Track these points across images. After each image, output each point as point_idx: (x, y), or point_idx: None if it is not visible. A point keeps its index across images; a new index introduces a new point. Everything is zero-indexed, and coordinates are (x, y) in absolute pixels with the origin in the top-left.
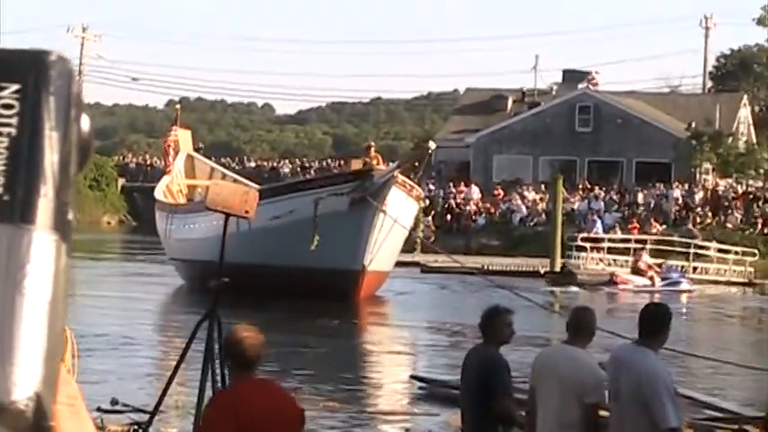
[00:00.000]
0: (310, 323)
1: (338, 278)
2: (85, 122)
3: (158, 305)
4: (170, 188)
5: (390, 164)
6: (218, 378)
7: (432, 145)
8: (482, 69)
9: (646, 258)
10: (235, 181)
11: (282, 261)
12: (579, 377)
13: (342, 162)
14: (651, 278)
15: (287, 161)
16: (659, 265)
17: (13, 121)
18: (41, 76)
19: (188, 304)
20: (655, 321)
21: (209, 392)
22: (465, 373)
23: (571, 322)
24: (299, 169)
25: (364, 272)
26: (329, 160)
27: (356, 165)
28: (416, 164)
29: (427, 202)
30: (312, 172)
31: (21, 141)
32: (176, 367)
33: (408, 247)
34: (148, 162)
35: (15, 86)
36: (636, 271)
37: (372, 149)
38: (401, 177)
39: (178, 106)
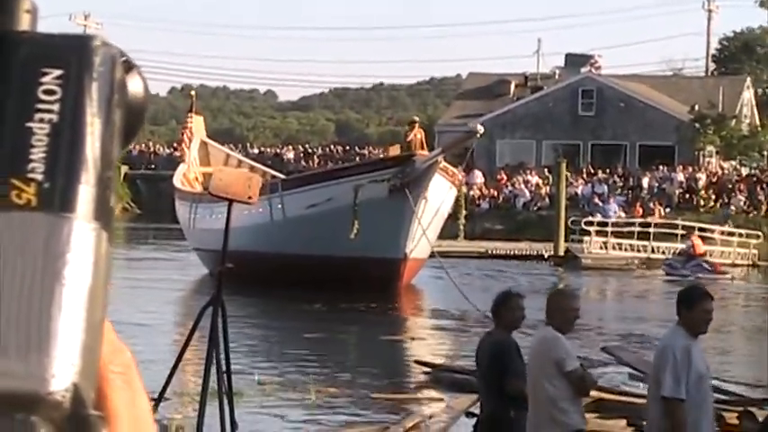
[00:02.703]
0: (317, 309)
1: (380, 267)
2: (138, 85)
3: (168, 292)
4: (187, 176)
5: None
6: (223, 364)
7: (480, 129)
8: (485, 54)
9: (698, 243)
10: (252, 168)
11: (320, 250)
12: (549, 354)
13: (346, 148)
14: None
15: (290, 147)
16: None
17: (55, 107)
18: (84, 62)
19: (204, 292)
20: (678, 302)
21: (213, 378)
22: (478, 358)
23: (546, 305)
24: (302, 155)
25: (406, 260)
26: (332, 146)
27: (394, 150)
28: (466, 149)
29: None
30: (315, 158)
31: (62, 128)
32: (180, 354)
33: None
34: (151, 149)
35: (58, 72)
36: (691, 257)
37: (416, 125)
38: (444, 164)
39: (193, 92)
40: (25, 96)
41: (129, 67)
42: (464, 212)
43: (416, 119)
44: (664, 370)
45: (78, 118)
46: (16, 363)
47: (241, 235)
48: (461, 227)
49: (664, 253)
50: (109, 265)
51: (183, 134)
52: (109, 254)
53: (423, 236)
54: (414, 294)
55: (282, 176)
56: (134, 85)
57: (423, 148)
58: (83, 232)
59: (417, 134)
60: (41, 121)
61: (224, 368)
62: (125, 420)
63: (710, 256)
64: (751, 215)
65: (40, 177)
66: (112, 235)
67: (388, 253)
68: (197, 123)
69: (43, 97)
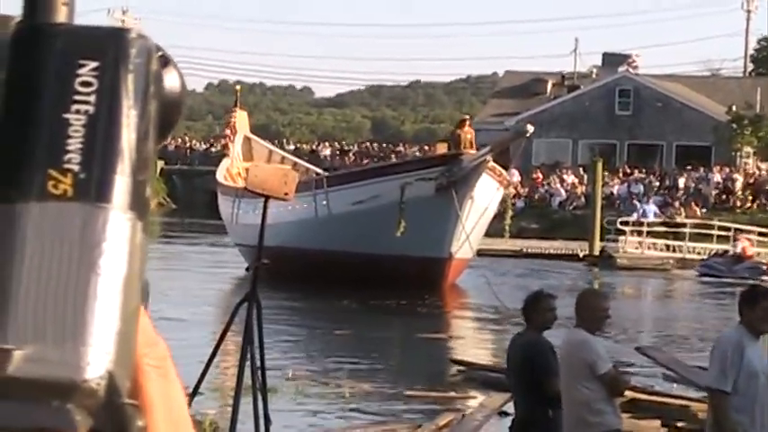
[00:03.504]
0: (353, 306)
1: (425, 266)
2: (175, 79)
3: (205, 287)
4: (230, 171)
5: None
6: (258, 360)
7: (530, 128)
8: (521, 53)
9: (747, 245)
10: (294, 164)
11: (365, 248)
12: (581, 357)
13: (382, 145)
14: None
15: (326, 144)
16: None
17: (92, 98)
18: (121, 54)
19: (244, 287)
20: (741, 301)
21: (248, 374)
22: (510, 358)
23: (575, 306)
24: (338, 152)
25: (451, 260)
26: (368, 143)
27: (441, 148)
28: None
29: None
30: (351, 155)
31: (98, 119)
32: (215, 349)
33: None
34: (187, 145)
35: (94, 64)
36: (740, 258)
37: (467, 123)
38: (492, 163)
39: (238, 87)
40: (62, 88)
41: (165, 61)
42: (510, 213)
43: (467, 117)
44: (713, 362)
45: (114, 109)
46: (53, 350)
47: (285, 231)
48: (507, 227)
49: (699, 254)
50: (144, 255)
51: (226, 129)
52: (144, 243)
53: (468, 236)
54: (453, 292)
55: (327, 173)
56: (171, 80)
57: (472, 146)
58: (118, 222)
59: (468, 133)
60: (78, 112)
61: (258, 364)
62: (160, 411)
63: None
64: None
65: (76, 168)
66: (148, 225)
67: (434, 252)
68: (241, 119)
69: (80, 89)
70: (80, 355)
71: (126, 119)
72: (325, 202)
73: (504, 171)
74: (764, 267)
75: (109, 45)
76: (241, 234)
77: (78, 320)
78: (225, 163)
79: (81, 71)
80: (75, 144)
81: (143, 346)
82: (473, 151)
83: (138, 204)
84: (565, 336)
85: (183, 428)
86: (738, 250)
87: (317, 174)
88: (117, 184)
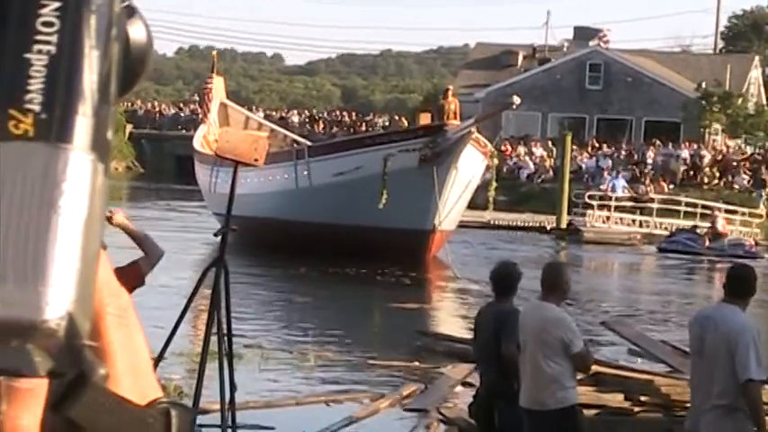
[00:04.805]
0: (323, 275)
1: (409, 238)
2: (140, 31)
3: (173, 253)
4: (207, 139)
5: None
6: (224, 326)
7: (516, 100)
8: (493, 24)
9: (723, 222)
10: (272, 131)
11: (347, 220)
12: (557, 334)
13: (352, 114)
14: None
15: (295, 111)
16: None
17: (54, 38)
18: None
19: (208, 253)
20: (746, 282)
21: (214, 339)
22: (479, 328)
23: (544, 279)
24: (307, 120)
25: (434, 231)
26: (338, 111)
27: (425, 119)
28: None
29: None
30: (321, 123)
31: (60, 60)
32: (181, 315)
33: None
34: (157, 109)
35: (57, 4)
36: (717, 234)
37: (450, 93)
38: (476, 134)
39: (215, 53)
40: (24, 28)
41: (131, 12)
42: (494, 184)
43: (450, 87)
44: (747, 353)
45: (76, 50)
46: (13, 290)
47: (266, 201)
48: (491, 198)
49: (666, 229)
50: (105, 197)
51: (194, 95)
52: (105, 185)
53: (452, 208)
54: (432, 264)
55: (309, 143)
56: (136, 31)
57: (456, 117)
58: (79, 163)
59: (452, 103)
60: (40, 52)
61: (224, 330)
62: (122, 360)
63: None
64: (754, 194)
65: (37, 108)
66: (108, 167)
67: (417, 224)
68: (217, 84)
69: (42, 29)
70: (40, 295)
71: (88, 59)
72: (306, 173)
73: (488, 143)
74: (747, 245)
75: None
76: (219, 203)
77: (39, 261)
78: (201, 130)
79: (43, 11)
80: (36, 84)
81: (106, 296)
82: (457, 122)
83: (99, 146)
84: (533, 308)
85: (145, 377)
86: (719, 227)
87: (297, 142)
88: (78, 124)
